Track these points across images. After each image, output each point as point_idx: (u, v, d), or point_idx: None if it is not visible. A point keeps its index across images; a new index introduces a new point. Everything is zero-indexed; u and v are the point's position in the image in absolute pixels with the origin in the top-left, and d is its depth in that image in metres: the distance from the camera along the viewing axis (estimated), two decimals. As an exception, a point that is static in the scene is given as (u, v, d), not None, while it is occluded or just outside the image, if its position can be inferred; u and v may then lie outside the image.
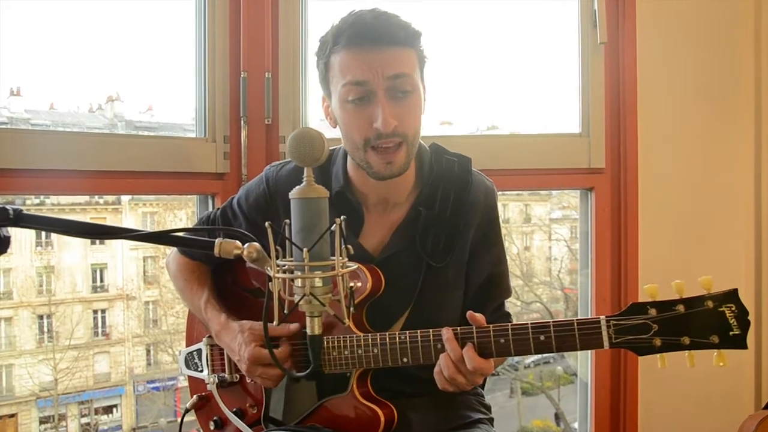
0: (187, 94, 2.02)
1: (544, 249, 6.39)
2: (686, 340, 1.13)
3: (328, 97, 1.36)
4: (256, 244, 1.01)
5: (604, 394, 2.12)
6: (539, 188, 3.69)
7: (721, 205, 2.18)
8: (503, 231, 1.53)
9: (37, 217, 0.98)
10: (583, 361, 2.21)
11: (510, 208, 5.99)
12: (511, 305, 1.64)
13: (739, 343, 1.11)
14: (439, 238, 1.39)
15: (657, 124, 2.12)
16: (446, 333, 1.24)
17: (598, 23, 2.07)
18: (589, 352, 2.15)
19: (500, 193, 1.51)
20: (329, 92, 1.34)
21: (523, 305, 5.84)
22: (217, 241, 1.01)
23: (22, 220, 0.95)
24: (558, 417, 6.02)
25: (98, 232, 1.02)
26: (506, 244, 1.55)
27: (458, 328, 1.25)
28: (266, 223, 0.94)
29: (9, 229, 0.97)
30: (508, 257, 1.53)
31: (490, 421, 1.51)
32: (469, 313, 1.25)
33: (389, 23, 1.27)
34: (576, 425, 2.34)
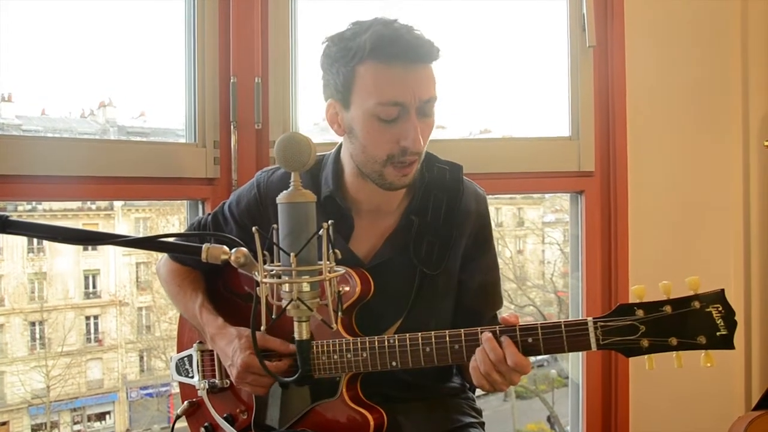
0: (180, 99, 2.02)
1: (537, 252, 6.39)
2: (674, 341, 1.14)
3: (343, 107, 1.30)
4: (243, 249, 1.01)
5: (596, 396, 2.13)
6: (530, 191, 3.70)
7: (710, 207, 2.19)
8: (496, 235, 1.54)
9: (24, 224, 0.98)
10: (574, 363, 2.22)
11: (503, 211, 5.99)
12: (505, 309, 1.65)
13: (726, 343, 1.12)
14: (433, 246, 1.40)
15: (646, 127, 2.14)
16: (486, 334, 1.22)
17: (587, 26, 2.08)
18: (580, 354, 2.15)
19: (493, 196, 1.52)
20: (348, 102, 1.29)
21: (517, 308, 5.84)
22: (205, 246, 1.01)
23: (8, 226, 0.95)
24: (551, 420, 6.02)
25: (85, 238, 1.02)
26: (499, 248, 1.55)
27: (446, 330, 1.26)
28: (253, 228, 0.95)
29: (-3, 235, 0.97)
30: (501, 261, 1.55)
31: (481, 425, 1.52)
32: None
33: (422, 40, 1.24)
34: (569, 428, 2.34)
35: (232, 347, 1.35)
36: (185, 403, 1.54)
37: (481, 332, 1.23)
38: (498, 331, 1.23)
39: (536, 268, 6.43)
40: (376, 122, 1.26)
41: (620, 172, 2.11)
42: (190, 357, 1.52)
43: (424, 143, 1.29)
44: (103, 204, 5.18)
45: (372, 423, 1.31)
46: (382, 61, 1.23)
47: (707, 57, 2.18)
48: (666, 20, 2.16)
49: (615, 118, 2.11)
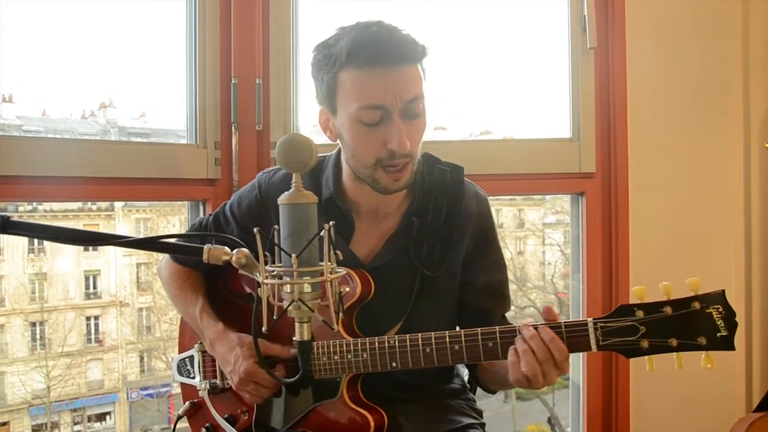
0: (180, 100, 2.02)
1: (538, 254, 6.40)
2: (674, 342, 1.13)
3: (332, 113, 1.32)
4: (244, 249, 1.01)
5: (596, 398, 2.12)
6: (531, 193, 3.71)
7: (711, 209, 2.19)
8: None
9: (24, 224, 0.98)
10: (575, 365, 2.21)
11: (503, 213, 6.00)
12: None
13: (727, 344, 1.11)
14: (434, 247, 1.39)
15: (647, 129, 2.13)
16: (527, 331, 1.19)
17: (588, 28, 2.08)
18: (581, 355, 2.15)
19: (493, 197, 1.52)
20: (334, 108, 1.30)
21: (517, 310, 5.84)
22: (206, 247, 1.01)
23: (9, 226, 0.95)
24: (551, 421, 6.02)
25: (86, 239, 1.02)
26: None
27: (446, 332, 1.26)
28: (255, 229, 0.95)
29: (-3, 235, 0.98)
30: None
31: (482, 426, 1.51)
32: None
33: (403, 41, 1.24)
34: (569, 429, 2.34)
35: (234, 354, 1.35)
36: (186, 403, 1.54)
37: (519, 329, 1.20)
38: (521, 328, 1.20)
39: (537, 269, 6.44)
40: (360, 127, 1.26)
41: (621, 174, 2.11)
42: (191, 357, 1.52)
43: (413, 144, 1.28)
44: (103, 205, 5.20)
45: (372, 424, 1.31)
46: (359, 65, 1.23)
47: (708, 58, 2.18)
48: (667, 21, 2.16)
49: (616, 120, 2.11)
